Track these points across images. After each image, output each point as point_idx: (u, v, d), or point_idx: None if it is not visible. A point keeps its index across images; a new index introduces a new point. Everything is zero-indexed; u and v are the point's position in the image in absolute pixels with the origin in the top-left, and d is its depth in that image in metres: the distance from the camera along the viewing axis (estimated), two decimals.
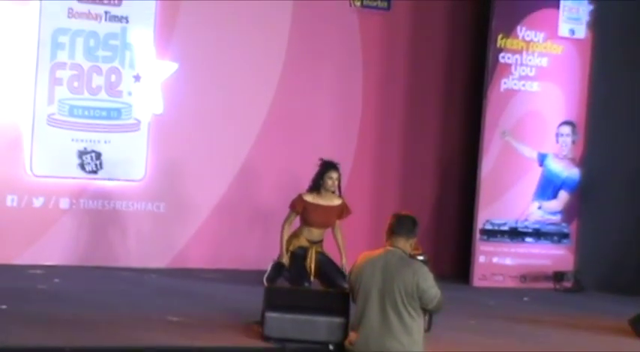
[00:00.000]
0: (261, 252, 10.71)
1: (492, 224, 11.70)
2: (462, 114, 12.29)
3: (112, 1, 10.71)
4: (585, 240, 12.00)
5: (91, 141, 10.72)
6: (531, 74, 11.80)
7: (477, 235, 11.64)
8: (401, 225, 6.88)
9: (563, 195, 12.03)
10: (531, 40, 11.78)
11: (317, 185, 9.73)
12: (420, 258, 7.50)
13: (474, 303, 10.29)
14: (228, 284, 10.22)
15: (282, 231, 9.71)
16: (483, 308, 10.10)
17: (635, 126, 11.97)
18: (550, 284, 11.79)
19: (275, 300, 7.62)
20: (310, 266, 9.61)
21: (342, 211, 9.81)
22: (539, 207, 11.93)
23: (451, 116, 12.30)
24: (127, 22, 10.78)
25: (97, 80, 10.73)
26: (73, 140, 10.66)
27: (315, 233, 9.76)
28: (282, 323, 7.48)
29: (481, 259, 11.66)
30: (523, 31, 11.73)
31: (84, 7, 10.63)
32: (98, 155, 10.74)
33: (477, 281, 11.60)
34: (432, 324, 7.75)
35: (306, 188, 9.78)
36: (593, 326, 9.39)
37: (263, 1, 11.21)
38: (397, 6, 11.90)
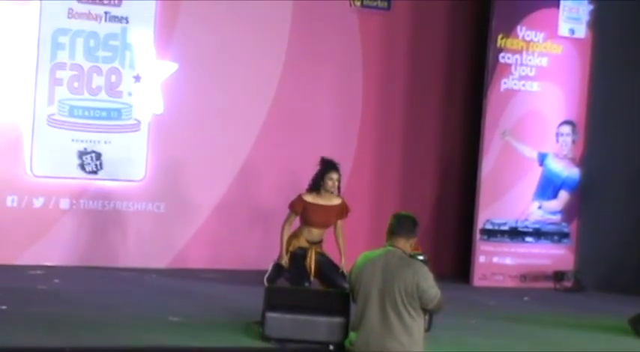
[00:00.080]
0: (261, 252, 10.72)
1: (492, 224, 11.70)
2: (462, 114, 12.29)
3: (112, 2, 10.71)
4: (585, 240, 12.00)
5: (91, 141, 10.72)
6: (531, 74, 11.80)
7: (477, 235, 11.65)
8: (401, 225, 6.88)
9: (564, 195, 12.03)
10: (531, 40, 11.78)
11: (317, 185, 9.72)
12: (420, 257, 7.52)
13: (474, 303, 10.29)
14: (228, 284, 10.23)
15: (282, 232, 9.71)
16: (483, 308, 10.10)
17: (635, 126, 11.97)
18: (550, 284, 11.79)
19: (275, 300, 7.62)
20: (310, 267, 9.61)
21: (343, 211, 9.80)
22: (540, 207, 11.93)
23: (451, 116, 12.30)
24: (127, 22, 10.78)
25: (97, 80, 10.73)
26: (73, 140, 10.66)
27: (314, 233, 9.76)
28: (282, 323, 7.49)
29: (481, 259, 11.66)
30: (523, 31, 11.73)
31: (84, 8, 10.63)
32: (98, 155, 10.74)
33: (477, 280, 11.60)
34: (432, 324, 7.75)
35: (305, 188, 9.79)
36: (593, 325, 9.39)
37: (263, 2, 11.21)
38: (397, 6, 11.90)
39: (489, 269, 11.68)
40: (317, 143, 11.19)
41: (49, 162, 10.59)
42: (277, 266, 9.72)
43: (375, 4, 11.81)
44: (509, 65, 11.71)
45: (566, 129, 11.98)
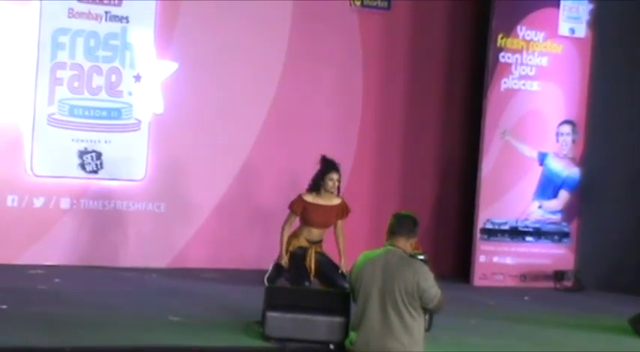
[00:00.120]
0: (261, 251, 10.72)
1: (493, 223, 11.70)
2: (462, 114, 12.29)
3: (112, 1, 10.71)
4: (585, 240, 12.00)
5: (91, 141, 10.72)
6: (531, 73, 11.80)
7: (478, 234, 11.64)
8: (401, 225, 6.88)
9: (564, 195, 12.03)
10: (531, 40, 11.78)
11: (317, 185, 9.72)
12: (421, 257, 7.50)
13: (474, 303, 10.29)
14: (228, 284, 10.23)
15: (282, 233, 9.71)
16: (484, 308, 10.10)
17: (635, 126, 11.97)
18: (550, 284, 11.79)
19: (275, 300, 7.62)
20: (310, 266, 9.61)
21: (343, 210, 9.80)
22: (540, 207, 11.93)
23: (451, 116, 12.30)
24: (128, 22, 10.78)
25: (98, 80, 10.73)
26: (73, 140, 10.66)
27: (314, 233, 9.76)
28: (282, 322, 7.49)
29: (481, 258, 11.66)
30: (523, 31, 11.73)
31: (84, 7, 10.63)
32: (99, 155, 10.74)
33: (478, 280, 11.60)
34: (432, 324, 7.75)
35: (305, 188, 9.79)
36: (593, 325, 9.40)
37: (263, 1, 11.21)
38: (397, 5, 11.90)
39: (489, 268, 11.68)
40: (317, 143, 11.18)
41: (50, 162, 10.59)
42: (277, 266, 9.72)
43: (375, 3, 11.81)
44: (510, 65, 11.71)
45: (567, 128, 11.99)
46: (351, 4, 11.70)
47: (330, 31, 11.60)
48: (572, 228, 12.05)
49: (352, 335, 6.94)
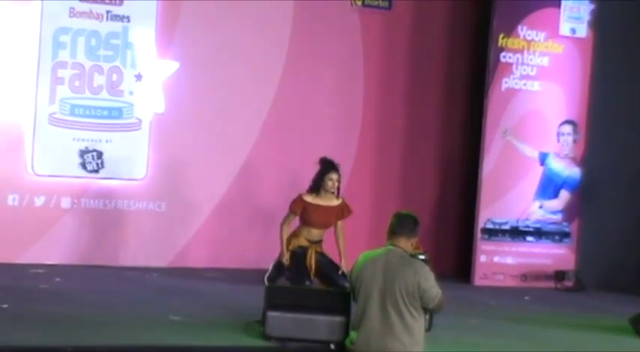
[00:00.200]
0: (262, 251, 10.72)
1: (493, 223, 11.71)
2: (463, 114, 12.29)
3: (113, 1, 10.71)
4: (586, 240, 12.00)
5: (92, 140, 10.73)
6: (532, 73, 11.81)
7: (478, 234, 11.65)
8: (402, 224, 6.88)
9: (564, 195, 12.03)
10: (532, 40, 11.78)
11: (317, 186, 9.72)
12: (421, 257, 7.50)
13: (475, 303, 10.29)
14: (228, 283, 10.23)
15: (281, 231, 9.71)
16: (484, 308, 10.10)
17: (636, 126, 11.97)
18: (551, 284, 11.79)
19: (276, 299, 7.62)
20: (310, 266, 9.62)
21: (343, 211, 9.80)
22: (541, 207, 11.93)
23: (452, 116, 12.30)
24: (129, 21, 10.78)
25: (99, 79, 10.74)
26: (74, 139, 10.67)
27: (314, 233, 9.76)
28: (283, 322, 7.49)
29: (482, 258, 11.66)
30: (524, 31, 11.73)
31: (85, 7, 10.63)
32: (99, 154, 10.74)
33: (478, 280, 11.60)
34: (432, 324, 7.75)
35: (306, 188, 9.79)
36: (593, 325, 9.40)
37: (264, 1, 11.21)
38: (398, 5, 11.90)
39: (490, 268, 11.69)
40: (317, 143, 11.19)
41: (51, 161, 10.60)
42: (278, 266, 9.73)
43: (376, 3, 11.81)
44: (510, 64, 11.71)
45: (567, 128, 11.99)
46: (352, 4, 11.70)
47: (331, 31, 11.60)
48: (572, 228, 12.05)
49: (352, 334, 6.95)
